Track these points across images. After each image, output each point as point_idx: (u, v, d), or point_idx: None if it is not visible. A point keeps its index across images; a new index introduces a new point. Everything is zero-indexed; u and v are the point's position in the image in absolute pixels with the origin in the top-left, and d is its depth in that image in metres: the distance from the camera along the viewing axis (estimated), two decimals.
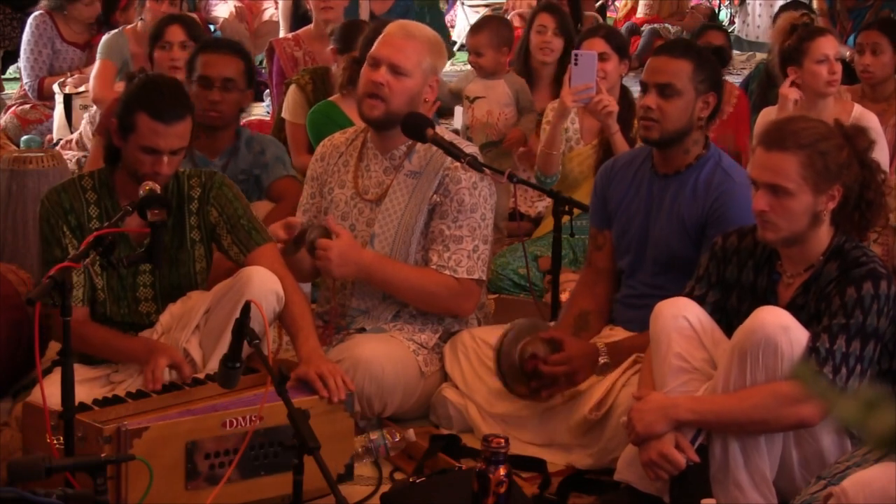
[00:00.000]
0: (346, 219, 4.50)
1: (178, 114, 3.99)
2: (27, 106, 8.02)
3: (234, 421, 3.66)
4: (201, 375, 3.91)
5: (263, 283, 3.93)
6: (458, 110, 6.84)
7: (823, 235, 3.62)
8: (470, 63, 6.66)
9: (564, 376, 4.11)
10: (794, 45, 5.58)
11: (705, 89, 4.19)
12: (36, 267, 4.49)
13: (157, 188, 3.86)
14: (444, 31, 8.93)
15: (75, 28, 8.10)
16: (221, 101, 5.14)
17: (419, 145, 4.45)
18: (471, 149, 4.47)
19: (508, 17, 9.22)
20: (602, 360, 4.12)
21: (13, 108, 8.07)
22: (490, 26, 6.65)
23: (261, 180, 5.22)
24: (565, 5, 8.03)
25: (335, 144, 4.62)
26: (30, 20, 8.29)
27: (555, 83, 6.45)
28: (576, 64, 5.24)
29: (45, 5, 8.10)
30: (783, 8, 7.64)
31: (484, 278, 4.42)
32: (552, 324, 4.45)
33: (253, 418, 3.64)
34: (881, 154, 4.15)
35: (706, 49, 4.60)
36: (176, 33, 6.12)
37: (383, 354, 4.29)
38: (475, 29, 6.69)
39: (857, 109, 5.59)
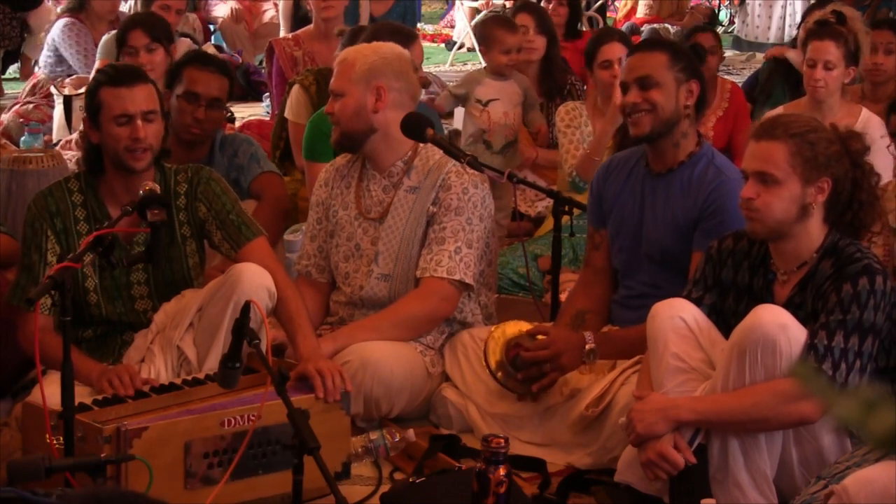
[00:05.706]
0: (351, 239, 4.53)
1: (137, 76, 4.12)
2: (30, 106, 8.00)
3: (233, 420, 3.66)
4: (201, 375, 3.91)
5: (254, 280, 3.93)
6: (459, 112, 6.81)
7: (815, 232, 3.62)
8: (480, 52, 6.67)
9: (548, 361, 4.12)
10: (802, 39, 5.60)
11: (686, 78, 4.20)
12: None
13: (157, 188, 3.86)
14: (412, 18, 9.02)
15: (100, 28, 8.08)
16: (206, 119, 5.08)
17: (417, 161, 4.47)
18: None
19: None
20: (588, 345, 4.12)
21: (15, 106, 8.07)
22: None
23: (239, 182, 5.12)
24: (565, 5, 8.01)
25: (337, 168, 4.64)
26: (60, 27, 8.24)
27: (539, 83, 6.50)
28: None
29: (66, 11, 8.07)
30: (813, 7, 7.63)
31: (467, 281, 4.37)
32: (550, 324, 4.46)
33: (251, 417, 3.64)
34: (880, 157, 4.11)
35: (678, 42, 4.62)
36: (137, 37, 5.96)
37: (391, 356, 4.29)
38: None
39: (865, 114, 5.57)
